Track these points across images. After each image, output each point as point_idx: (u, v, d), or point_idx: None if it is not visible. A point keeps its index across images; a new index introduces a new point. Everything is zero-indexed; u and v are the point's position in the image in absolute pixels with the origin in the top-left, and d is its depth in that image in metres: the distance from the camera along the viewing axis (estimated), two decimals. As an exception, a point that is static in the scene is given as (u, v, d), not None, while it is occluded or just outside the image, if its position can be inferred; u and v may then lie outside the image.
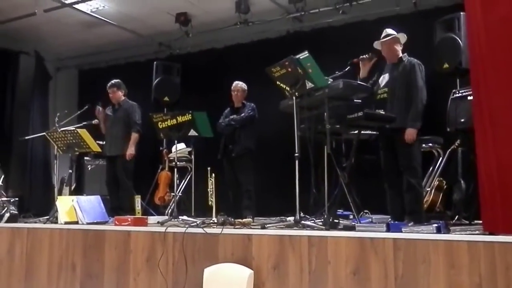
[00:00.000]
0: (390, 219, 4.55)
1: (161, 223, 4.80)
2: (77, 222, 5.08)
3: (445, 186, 5.44)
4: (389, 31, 4.79)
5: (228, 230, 4.01)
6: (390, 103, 4.61)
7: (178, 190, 6.17)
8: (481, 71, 3.33)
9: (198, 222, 4.54)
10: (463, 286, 3.05)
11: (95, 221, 5.09)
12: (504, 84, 3.21)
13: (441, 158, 5.57)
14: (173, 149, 6.13)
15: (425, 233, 3.32)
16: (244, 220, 4.56)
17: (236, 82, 6.32)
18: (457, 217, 4.87)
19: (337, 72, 4.50)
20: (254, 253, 3.81)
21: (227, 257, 3.93)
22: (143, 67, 8.56)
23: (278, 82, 4.38)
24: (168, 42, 8.72)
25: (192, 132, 5.41)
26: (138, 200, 5.64)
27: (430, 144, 5.50)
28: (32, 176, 8.81)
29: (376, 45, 4.83)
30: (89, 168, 7.75)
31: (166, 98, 7.68)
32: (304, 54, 4.11)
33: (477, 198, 3.47)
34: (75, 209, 5.13)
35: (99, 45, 8.94)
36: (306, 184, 4.34)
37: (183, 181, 7.02)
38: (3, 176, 6.94)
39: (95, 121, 6.40)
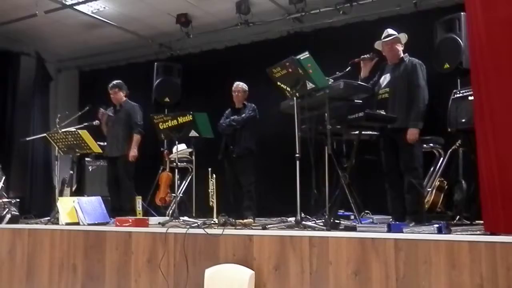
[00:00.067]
0: (391, 220, 4.55)
1: (162, 224, 4.80)
2: (78, 223, 5.08)
3: (446, 187, 5.44)
4: (390, 31, 4.79)
5: (229, 231, 4.01)
6: (392, 104, 4.61)
7: (179, 191, 6.17)
8: (482, 71, 3.33)
9: (199, 223, 4.54)
10: (464, 286, 3.04)
11: (96, 222, 5.09)
12: (505, 84, 3.21)
13: (442, 159, 5.56)
14: (174, 150, 6.13)
15: (426, 234, 3.31)
16: (245, 220, 4.56)
17: (236, 83, 6.32)
18: (458, 217, 4.87)
19: (337, 73, 4.50)
20: (255, 253, 3.81)
21: (228, 258, 3.93)
22: (143, 68, 8.56)
23: (278, 83, 4.38)
24: (169, 43, 8.73)
25: (193, 133, 5.41)
26: (139, 201, 5.64)
27: (431, 145, 5.49)
28: (33, 177, 8.82)
29: (377, 45, 4.83)
30: (90, 169, 7.76)
31: (166, 99, 7.69)
32: (305, 55, 4.11)
33: (478, 198, 3.47)
34: (76, 210, 5.13)
35: (100, 46, 8.95)
36: (307, 185, 4.34)
37: (184, 182, 7.01)
38: (4, 177, 6.94)
39: (95, 122, 6.40)
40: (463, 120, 5.01)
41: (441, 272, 3.12)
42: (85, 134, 5.79)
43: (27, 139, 7.46)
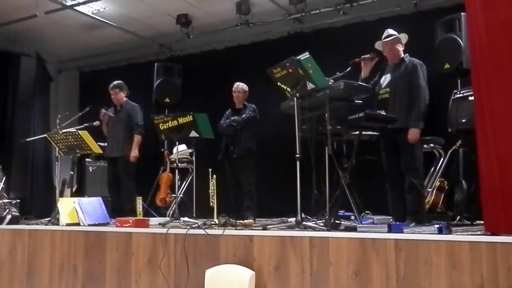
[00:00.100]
0: (391, 220, 4.55)
1: (163, 225, 4.80)
2: (78, 224, 5.08)
3: (446, 187, 5.44)
4: (391, 31, 4.79)
5: (229, 231, 4.01)
6: (392, 104, 4.61)
7: (180, 191, 6.16)
8: (482, 72, 3.33)
9: (199, 224, 4.54)
10: (465, 287, 3.04)
11: (96, 223, 5.09)
12: (505, 84, 3.21)
13: (442, 159, 5.56)
14: (174, 150, 6.14)
15: (426, 234, 3.31)
16: (245, 221, 4.56)
17: (237, 83, 6.32)
18: (458, 217, 4.86)
19: (338, 73, 4.50)
20: (255, 254, 3.81)
21: (228, 258, 3.93)
22: (144, 69, 8.56)
23: (279, 83, 4.38)
24: (169, 44, 8.73)
25: (193, 134, 5.41)
26: (139, 201, 5.64)
27: (431, 145, 5.49)
28: (34, 178, 8.82)
29: (378, 45, 4.83)
30: (91, 170, 7.76)
31: (167, 100, 7.69)
32: (305, 55, 4.11)
33: (478, 199, 3.47)
34: (77, 210, 5.13)
35: (100, 47, 8.95)
36: (307, 185, 4.34)
37: (184, 182, 7.02)
38: (4, 178, 6.95)
39: (96, 123, 6.40)
40: (464, 120, 5.00)
41: (441, 272, 3.12)
42: (85, 134, 5.79)
43: (28, 139, 7.47)
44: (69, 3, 7.39)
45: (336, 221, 4.04)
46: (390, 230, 3.54)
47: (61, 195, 6.49)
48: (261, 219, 5.64)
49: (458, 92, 5.23)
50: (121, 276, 4.47)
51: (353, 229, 3.81)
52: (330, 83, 4.27)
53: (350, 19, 7.26)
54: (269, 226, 4.18)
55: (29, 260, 5.06)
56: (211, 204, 4.93)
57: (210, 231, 4.07)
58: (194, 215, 6.38)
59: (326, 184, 4.33)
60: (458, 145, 5.17)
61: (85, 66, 9.86)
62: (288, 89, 4.31)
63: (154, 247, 4.31)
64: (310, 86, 4.17)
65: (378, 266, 3.32)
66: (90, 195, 6.48)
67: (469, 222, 4.75)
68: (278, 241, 3.73)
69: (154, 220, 5.22)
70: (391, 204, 4.68)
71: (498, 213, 3.17)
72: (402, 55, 4.75)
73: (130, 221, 4.72)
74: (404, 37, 4.75)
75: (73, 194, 6.45)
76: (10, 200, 6.48)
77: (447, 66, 5.39)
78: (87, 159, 7.66)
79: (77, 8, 7.53)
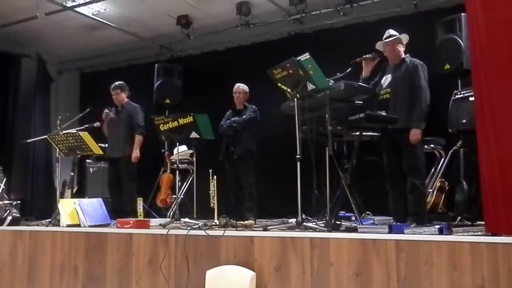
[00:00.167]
0: (392, 221, 4.55)
1: (163, 226, 4.80)
2: (79, 225, 5.08)
3: (447, 187, 5.44)
4: (392, 32, 4.79)
5: (230, 232, 4.01)
6: (393, 104, 4.61)
7: (180, 192, 6.16)
8: (483, 72, 3.33)
9: (200, 224, 4.54)
10: (466, 287, 3.04)
11: (97, 224, 5.09)
12: (506, 84, 3.21)
13: (443, 159, 5.56)
14: (175, 151, 6.13)
15: (427, 234, 3.31)
16: (246, 222, 4.56)
17: (237, 84, 6.32)
18: (459, 218, 4.86)
19: (338, 74, 4.50)
20: (256, 255, 3.81)
21: (229, 259, 3.92)
22: (144, 70, 8.57)
23: (279, 84, 4.38)
24: (169, 45, 8.74)
25: (194, 134, 5.41)
26: (140, 202, 5.65)
27: (432, 145, 5.49)
28: (34, 179, 8.83)
29: (379, 46, 4.82)
30: (91, 171, 7.76)
31: (167, 101, 7.69)
32: (305, 56, 4.11)
33: (479, 199, 3.47)
34: (77, 211, 5.13)
35: (100, 48, 8.96)
36: (308, 186, 4.35)
37: (185, 183, 7.02)
38: (5, 179, 6.95)
39: (96, 124, 6.39)
40: (464, 121, 5.00)
41: (442, 273, 3.11)
42: (86, 135, 5.80)
43: (28, 141, 7.46)
44: (69, 4, 7.39)
45: (337, 222, 4.04)
46: (390, 231, 3.54)
47: (62, 196, 6.48)
48: (261, 220, 5.64)
49: (459, 93, 5.23)
50: (121, 277, 4.47)
51: (354, 229, 3.81)
52: (330, 84, 4.27)
53: (350, 20, 7.26)
54: (270, 227, 4.18)
55: (30, 261, 5.06)
56: (212, 205, 4.94)
57: (210, 232, 4.07)
58: (194, 216, 6.38)
59: (326, 185, 4.34)
60: (458, 145, 5.17)
61: (86, 67, 9.87)
62: (289, 90, 4.32)
63: (155, 248, 4.31)
64: (310, 86, 4.17)
65: (379, 267, 3.32)
66: (91, 196, 6.48)
67: (469, 223, 4.74)
68: (278, 242, 3.73)
69: (154, 221, 5.22)
70: (392, 205, 4.68)
71: (498, 213, 3.17)
72: (403, 55, 4.75)
73: (131, 222, 4.72)
74: (405, 38, 4.75)
75: (74, 195, 6.45)
76: (10, 201, 6.48)
77: (447, 66, 5.39)
78: (87, 160, 7.67)
79: (77, 9, 7.54)
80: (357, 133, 4.57)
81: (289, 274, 3.65)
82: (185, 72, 7.98)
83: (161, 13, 7.68)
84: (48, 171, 8.89)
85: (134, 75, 8.23)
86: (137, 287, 4.37)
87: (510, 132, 3.18)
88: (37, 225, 5.76)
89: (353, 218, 5.02)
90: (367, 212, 5.43)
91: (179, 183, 5.88)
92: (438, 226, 3.36)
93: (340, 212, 4.74)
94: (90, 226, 5.01)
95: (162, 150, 7.21)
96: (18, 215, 6.13)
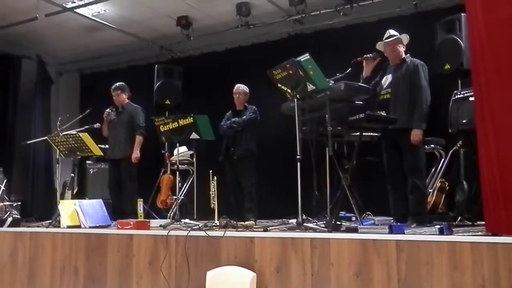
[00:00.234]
0: (392, 221, 4.54)
1: (164, 227, 4.80)
2: (79, 226, 5.08)
3: (447, 187, 5.43)
4: (392, 32, 4.79)
5: (230, 233, 4.01)
6: (393, 104, 4.60)
7: (180, 193, 6.16)
8: (483, 72, 3.33)
9: (200, 225, 4.54)
10: (466, 287, 3.04)
11: (97, 225, 5.09)
12: (506, 84, 3.21)
13: (443, 159, 5.56)
14: (175, 152, 6.13)
15: (428, 235, 3.31)
16: (246, 222, 4.56)
17: (237, 85, 6.32)
18: (459, 218, 4.86)
19: (338, 74, 4.50)
20: (256, 255, 3.81)
21: (229, 260, 3.92)
22: (144, 71, 8.58)
23: (279, 85, 4.38)
24: (170, 46, 8.74)
25: (194, 135, 5.41)
26: (140, 203, 5.65)
27: (432, 146, 5.49)
28: (35, 180, 8.83)
29: (379, 46, 4.82)
30: (91, 172, 7.76)
31: (167, 102, 7.69)
32: (305, 56, 4.11)
33: (479, 199, 3.47)
34: (78, 213, 5.13)
35: (100, 49, 8.96)
36: (308, 186, 4.34)
37: (185, 184, 7.02)
38: (5, 181, 6.95)
39: (97, 125, 6.40)
40: (464, 121, 5.00)
41: (443, 273, 3.11)
42: (86, 137, 5.80)
43: (28, 142, 7.47)
44: (69, 5, 7.40)
45: (337, 222, 4.04)
46: (391, 231, 3.54)
47: (62, 197, 6.49)
48: (262, 221, 5.64)
49: (459, 93, 5.23)
50: (122, 278, 4.47)
51: (354, 230, 3.81)
52: (330, 84, 4.27)
53: (350, 20, 7.26)
54: (270, 228, 4.18)
55: (30, 263, 5.06)
56: (212, 205, 4.95)
57: (211, 233, 4.07)
58: (195, 217, 6.39)
59: (327, 185, 4.33)
60: (458, 145, 5.17)
61: (86, 68, 9.87)
62: (289, 91, 4.32)
63: (155, 249, 4.31)
64: (310, 87, 4.17)
65: (379, 267, 3.31)
66: (91, 197, 6.49)
67: (470, 223, 4.74)
68: (279, 243, 3.73)
69: (155, 222, 5.22)
70: (392, 205, 4.68)
71: (499, 213, 3.16)
72: (404, 55, 4.75)
73: (131, 223, 4.72)
74: (405, 38, 4.75)
75: (74, 196, 6.45)
76: (11, 203, 6.48)
77: (447, 66, 5.39)
78: (87, 161, 7.67)
79: (77, 10, 7.55)
80: (357, 134, 4.56)
81: (289, 274, 3.65)
82: (185, 73, 7.98)
83: (161, 14, 7.68)
84: (48, 172, 8.89)
85: (134, 76, 8.24)
86: (137, 288, 4.37)
87: (510, 132, 3.18)
88: (38, 226, 5.76)
89: (354, 218, 5.02)
90: (368, 213, 5.43)
91: (179, 184, 5.88)
92: (439, 226, 3.36)
93: (341, 212, 4.74)
94: (90, 227, 5.01)
95: (162, 151, 7.21)
96: (19, 216, 6.13)
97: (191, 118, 5.33)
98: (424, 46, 5.65)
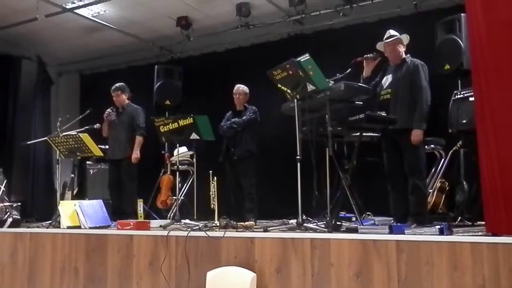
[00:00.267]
0: (392, 221, 4.54)
1: (164, 227, 4.80)
2: (79, 227, 5.08)
3: (447, 188, 5.43)
4: (392, 32, 4.79)
5: (230, 233, 4.01)
6: (394, 104, 4.61)
7: (180, 193, 6.16)
8: (483, 72, 3.33)
9: (200, 226, 4.53)
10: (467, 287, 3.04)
11: (97, 226, 5.09)
12: (506, 84, 3.21)
13: (443, 160, 5.56)
14: (175, 152, 6.13)
15: (428, 235, 3.31)
16: (246, 223, 4.56)
17: (237, 85, 6.32)
18: (459, 218, 4.86)
19: (338, 75, 4.50)
20: (256, 256, 3.81)
21: (229, 260, 3.92)
22: (144, 71, 8.57)
23: (279, 85, 4.38)
24: (169, 46, 8.74)
25: (194, 136, 5.41)
26: (140, 204, 5.64)
27: (432, 146, 5.49)
28: (35, 181, 8.83)
29: (379, 46, 4.82)
30: (91, 173, 7.76)
31: (167, 102, 7.69)
32: (305, 57, 4.11)
33: (479, 199, 3.47)
34: (78, 213, 5.13)
35: (100, 50, 8.96)
36: (308, 187, 4.34)
37: (185, 184, 7.02)
38: (5, 181, 6.95)
39: (96, 126, 6.40)
40: (464, 121, 5.00)
41: (443, 273, 3.11)
42: (86, 137, 5.80)
43: (28, 142, 7.47)
44: (69, 6, 7.40)
45: (337, 223, 4.04)
46: (391, 231, 3.54)
47: (62, 198, 6.48)
48: (262, 221, 5.64)
49: (459, 93, 5.22)
50: (122, 279, 4.46)
51: (354, 230, 3.81)
52: (330, 85, 4.26)
53: (350, 21, 7.26)
54: (270, 228, 4.18)
55: (31, 263, 5.06)
56: (212, 206, 4.94)
57: (211, 233, 4.07)
58: (195, 217, 6.38)
59: (327, 186, 4.33)
60: (458, 145, 5.16)
61: (86, 68, 9.87)
62: (289, 91, 4.31)
63: (155, 249, 4.31)
64: (310, 87, 4.17)
65: (380, 267, 3.31)
66: (91, 198, 6.48)
67: (470, 223, 4.74)
68: (279, 243, 3.73)
69: (155, 223, 5.22)
70: (392, 205, 4.68)
71: (499, 213, 3.16)
72: (404, 55, 4.75)
73: (131, 223, 4.72)
74: (405, 38, 4.75)
75: (74, 197, 6.45)
76: (11, 203, 6.48)
77: (447, 67, 5.38)
78: (87, 162, 7.66)
79: (77, 11, 7.55)
80: (357, 134, 4.57)
81: (289, 275, 3.65)
82: (185, 73, 7.98)
83: (161, 14, 7.68)
84: (48, 173, 8.89)
85: (134, 76, 8.23)
86: (137, 289, 4.37)
87: (510, 132, 3.18)
88: (38, 227, 5.75)
89: (354, 218, 5.02)
90: (368, 213, 5.43)
91: (179, 184, 5.88)
92: (439, 227, 3.36)
93: (341, 212, 4.74)
94: (90, 228, 5.01)
95: (162, 152, 7.21)
96: (19, 217, 6.13)
97: (191, 118, 5.33)
98: (424, 46, 5.65)
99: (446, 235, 3.32)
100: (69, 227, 5.08)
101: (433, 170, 5.58)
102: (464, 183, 4.99)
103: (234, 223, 4.37)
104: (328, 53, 6.64)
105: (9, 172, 7.78)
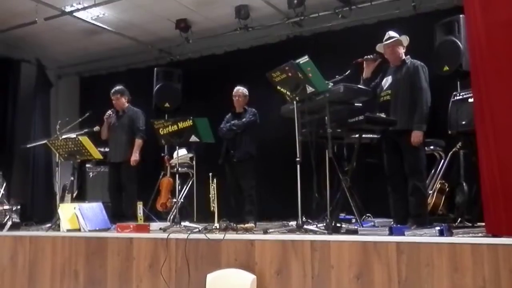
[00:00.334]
0: (392, 223, 4.54)
1: (163, 230, 4.80)
2: (79, 230, 5.08)
3: (447, 189, 5.44)
4: (392, 33, 4.79)
5: (230, 236, 4.01)
6: (394, 106, 4.61)
7: (180, 196, 6.16)
8: (482, 73, 3.33)
9: (200, 228, 4.53)
10: (467, 289, 3.04)
11: (97, 228, 5.08)
12: (505, 85, 3.22)
13: (443, 161, 5.56)
14: (175, 155, 6.13)
15: (428, 236, 3.31)
16: (246, 225, 4.55)
17: (237, 88, 6.33)
18: (459, 219, 4.85)
19: (337, 76, 4.50)
20: (256, 258, 3.81)
21: (229, 263, 3.92)
22: (144, 74, 8.58)
23: (278, 87, 4.38)
24: (169, 49, 8.75)
25: (193, 138, 5.41)
26: (140, 206, 5.63)
27: (432, 147, 5.49)
28: (34, 184, 8.81)
29: (379, 48, 4.83)
30: (91, 175, 7.76)
31: (167, 104, 7.69)
32: (304, 59, 4.11)
33: (479, 201, 3.46)
34: (77, 216, 5.13)
35: (99, 52, 8.96)
36: (308, 189, 4.34)
37: (185, 187, 7.01)
38: (5, 184, 6.94)
39: (96, 128, 6.40)
40: (464, 122, 5.00)
41: (443, 274, 3.11)
42: (85, 140, 5.79)
43: (28, 145, 7.46)
44: (68, 9, 7.40)
45: (337, 224, 4.03)
46: (391, 233, 3.54)
47: (62, 201, 6.47)
48: (262, 223, 5.63)
49: (458, 94, 5.23)
50: (122, 281, 4.46)
51: (354, 232, 3.81)
52: (329, 87, 4.27)
53: (349, 23, 7.26)
54: (270, 230, 4.18)
55: (30, 266, 5.05)
56: (212, 208, 4.92)
57: (211, 236, 4.07)
58: (194, 220, 6.38)
59: (326, 188, 4.33)
60: (458, 147, 5.17)
61: (85, 71, 9.87)
62: (288, 93, 4.31)
63: (155, 252, 4.30)
64: (309, 89, 4.17)
65: (380, 269, 3.31)
66: (91, 201, 6.47)
67: (470, 224, 4.73)
68: (279, 245, 3.72)
69: (154, 225, 5.22)
70: (392, 207, 4.67)
71: (499, 215, 3.16)
72: (404, 57, 4.75)
73: (131, 226, 4.72)
74: (405, 39, 4.75)
75: (74, 200, 6.44)
76: (10, 207, 6.47)
77: (446, 68, 5.39)
78: (87, 165, 7.66)
79: (76, 14, 7.54)
80: (357, 136, 4.57)
81: (290, 277, 3.65)
82: (184, 75, 7.98)
83: (160, 17, 7.68)
84: (48, 175, 8.87)
85: (133, 79, 8.22)
86: (137, 291, 4.37)
87: (510, 133, 3.18)
88: (37, 230, 5.75)
89: (354, 220, 5.01)
90: (368, 214, 5.42)
91: (179, 187, 5.88)
92: (439, 228, 3.36)
93: (341, 214, 4.73)
94: (90, 231, 5.01)
95: (162, 154, 7.21)
96: (18, 220, 6.12)
97: (191, 121, 5.33)
98: (423, 48, 5.64)
99: (446, 236, 3.32)
100: (68, 230, 5.07)
101: (432, 171, 5.58)
102: (464, 184, 4.99)
103: (234, 225, 4.37)
104: (327, 55, 6.64)
105: (8, 175, 7.77)
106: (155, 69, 7.94)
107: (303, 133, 4.35)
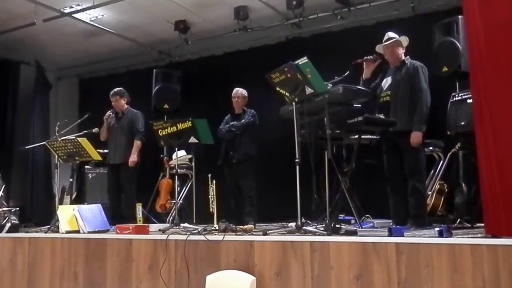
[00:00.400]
0: (392, 223, 4.54)
1: (163, 231, 4.79)
2: (78, 231, 5.07)
3: (446, 190, 5.44)
4: (391, 34, 4.79)
5: (229, 237, 4.00)
6: (393, 106, 4.61)
7: (179, 197, 6.16)
8: (481, 74, 3.33)
9: (199, 229, 4.53)
10: (467, 289, 3.04)
11: (96, 230, 5.08)
12: (504, 86, 3.22)
13: (442, 162, 5.56)
14: (174, 156, 6.13)
15: (427, 237, 3.31)
16: (245, 226, 4.55)
17: (236, 89, 6.33)
18: (459, 220, 4.85)
19: (336, 77, 4.50)
20: (256, 259, 3.80)
21: (229, 264, 3.92)
22: (143, 75, 8.57)
23: (277, 88, 4.38)
24: (168, 50, 8.75)
25: (193, 139, 5.41)
26: (139, 208, 5.63)
27: (431, 148, 5.49)
28: (33, 186, 8.82)
29: (378, 48, 4.83)
30: (90, 177, 7.75)
31: (166, 106, 7.67)
32: (303, 60, 4.11)
33: (479, 201, 3.46)
34: (76, 218, 5.12)
35: (99, 54, 8.97)
36: (307, 190, 4.33)
37: (184, 188, 7.00)
38: (4, 186, 6.93)
39: (95, 130, 6.40)
40: (463, 123, 5.00)
41: (443, 275, 3.11)
42: (84, 142, 5.78)
43: (27, 147, 7.46)
44: (67, 10, 7.40)
45: (337, 225, 4.03)
46: (390, 234, 3.53)
47: (61, 202, 6.48)
48: (261, 224, 5.62)
49: (457, 95, 5.23)
50: (122, 283, 4.45)
51: (354, 233, 3.81)
52: (328, 88, 4.27)
53: (348, 24, 7.27)
54: (270, 231, 4.18)
55: (30, 268, 5.05)
56: (211, 209, 4.93)
57: (210, 237, 4.07)
58: (194, 221, 6.37)
59: (326, 189, 4.32)
60: (457, 147, 5.16)
61: (84, 73, 9.88)
62: (287, 94, 4.31)
63: (155, 253, 4.30)
64: (309, 90, 4.17)
65: (380, 270, 3.31)
66: (90, 202, 6.47)
67: (469, 225, 4.73)
68: (278, 246, 3.72)
69: (154, 227, 5.21)
70: (392, 208, 4.67)
71: (499, 215, 3.16)
72: (403, 57, 4.76)
73: (130, 227, 4.71)
74: (404, 40, 4.75)
75: (73, 201, 6.44)
76: (9, 208, 6.46)
77: (445, 69, 5.38)
78: (86, 166, 7.65)
79: (75, 15, 7.55)
80: (356, 136, 4.56)
81: (289, 278, 3.64)
82: (183, 77, 7.97)
83: (159, 18, 7.69)
84: (47, 177, 8.88)
85: (132, 80, 8.24)
86: (137, 293, 4.36)
87: (509, 134, 3.18)
88: (36, 231, 5.75)
89: (353, 221, 5.01)
90: (367, 215, 5.42)
91: (178, 188, 5.88)
92: (438, 229, 3.36)
93: (340, 215, 4.73)
94: (89, 232, 5.00)
95: (161, 156, 7.20)
96: (17, 222, 6.11)
97: (190, 122, 5.33)
98: (422, 49, 5.63)
99: (446, 237, 3.32)
100: (67, 232, 5.07)
101: (432, 172, 5.58)
102: (463, 185, 4.99)
103: (233, 226, 4.37)
104: (326, 56, 6.65)
105: (7, 177, 7.76)
106: (154, 70, 7.92)
107: (302, 134, 4.35)
